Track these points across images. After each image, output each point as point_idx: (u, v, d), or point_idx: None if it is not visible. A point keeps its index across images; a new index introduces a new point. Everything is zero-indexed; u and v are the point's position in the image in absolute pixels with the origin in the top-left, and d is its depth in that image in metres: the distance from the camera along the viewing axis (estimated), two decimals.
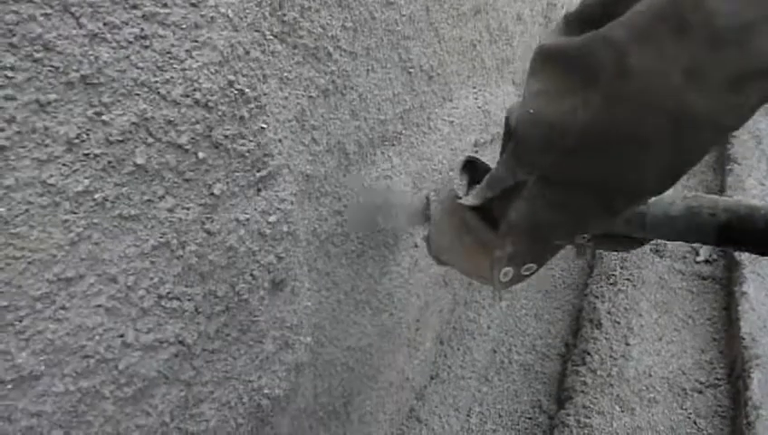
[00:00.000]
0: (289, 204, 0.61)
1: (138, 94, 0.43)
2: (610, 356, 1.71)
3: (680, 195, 0.67)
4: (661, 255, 1.95)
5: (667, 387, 1.62)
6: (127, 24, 0.42)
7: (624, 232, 0.70)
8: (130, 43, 0.42)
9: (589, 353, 1.74)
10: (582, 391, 1.66)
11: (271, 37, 0.65)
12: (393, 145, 1.06)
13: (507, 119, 0.55)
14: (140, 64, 0.43)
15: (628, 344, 1.73)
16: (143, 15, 0.43)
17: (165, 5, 0.44)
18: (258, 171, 0.56)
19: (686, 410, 1.57)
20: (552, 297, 2.05)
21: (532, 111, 0.47)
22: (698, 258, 1.94)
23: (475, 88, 1.32)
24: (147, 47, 0.43)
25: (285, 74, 0.71)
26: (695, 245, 1.93)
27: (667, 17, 0.36)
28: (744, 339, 1.56)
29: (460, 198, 0.68)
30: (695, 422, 1.52)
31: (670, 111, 0.39)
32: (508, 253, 0.57)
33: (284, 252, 0.63)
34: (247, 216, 0.55)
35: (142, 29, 0.43)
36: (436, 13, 1.10)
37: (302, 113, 0.77)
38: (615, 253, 1.92)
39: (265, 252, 0.60)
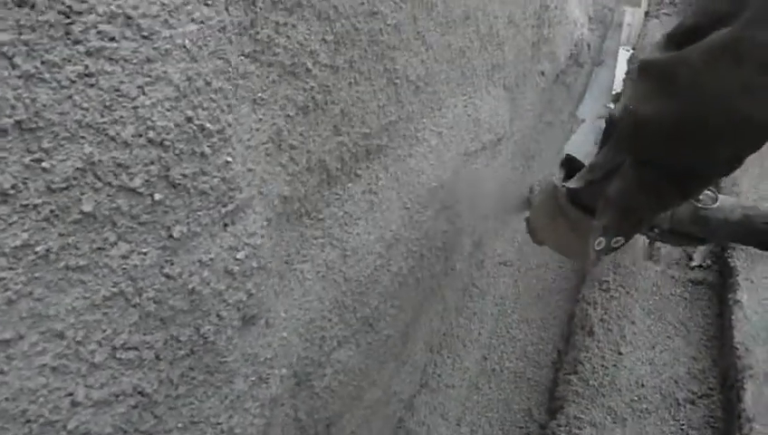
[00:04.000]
0: (259, 238, 0.57)
1: (83, 137, 0.40)
2: (602, 365, 1.69)
3: (740, 203, 0.81)
4: (655, 260, 1.92)
5: (660, 397, 1.59)
6: (69, 61, 0.38)
7: (689, 230, 0.83)
8: (73, 82, 0.38)
9: (581, 362, 1.71)
10: (574, 401, 1.63)
11: (242, 58, 0.62)
12: (379, 158, 1.03)
13: (610, 117, 0.69)
14: (85, 105, 0.39)
15: (620, 353, 1.70)
16: (87, 51, 0.39)
17: (112, 39, 0.40)
18: (224, 206, 0.52)
19: (678, 421, 1.54)
20: (544, 302, 2.02)
21: (630, 107, 0.59)
22: (692, 263, 1.91)
23: (464, 95, 1.29)
24: (92, 85, 0.39)
25: (259, 95, 0.67)
26: (688, 249, 1.91)
27: (729, 48, 0.49)
28: (737, 349, 1.53)
29: (558, 185, 0.79)
30: (687, 434, 1.49)
31: (730, 114, 0.51)
32: (603, 224, 0.67)
33: (255, 287, 0.59)
34: (211, 255, 0.52)
35: (86, 66, 0.39)
36: (423, 21, 1.06)
37: (279, 134, 0.73)
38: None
39: (234, 290, 0.56)
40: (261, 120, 0.68)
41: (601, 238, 0.68)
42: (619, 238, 0.69)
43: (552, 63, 2.23)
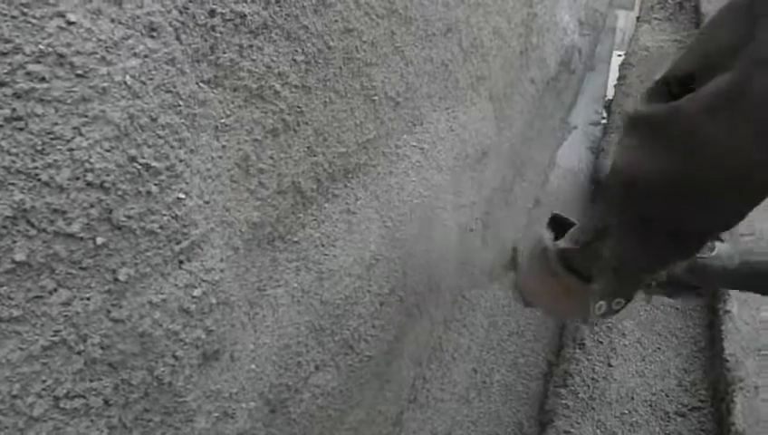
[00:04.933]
0: (218, 272, 0.55)
1: (12, 184, 0.38)
2: (592, 378, 1.67)
3: (738, 249, 0.80)
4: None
5: (650, 410, 1.57)
6: None
7: (687, 281, 0.81)
8: (0, 126, 0.36)
9: (570, 375, 1.69)
10: (564, 415, 1.62)
11: (201, 85, 0.60)
12: (357, 177, 1.01)
13: (599, 176, 0.67)
14: (14, 150, 0.37)
15: (610, 366, 1.69)
16: (15, 93, 0.37)
17: (42, 80, 0.38)
18: (177, 244, 0.50)
19: (668, 434, 1.52)
20: (534, 313, 2.00)
21: (621, 165, 0.55)
22: None
23: (447, 109, 1.27)
24: (21, 129, 0.37)
25: (222, 121, 0.65)
26: None
27: (732, 95, 0.43)
28: (727, 361, 1.52)
29: (548, 247, 0.73)
30: None
31: (733, 169, 0.46)
32: (601, 288, 0.63)
33: (215, 324, 0.57)
34: (164, 296, 0.50)
35: (14, 109, 0.37)
36: (402, 36, 1.04)
37: (246, 159, 0.71)
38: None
39: (191, 328, 0.54)
40: (224, 146, 0.66)
41: (601, 302, 0.65)
42: (620, 300, 0.65)
43: (541, 71, 2.21)
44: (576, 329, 1.82)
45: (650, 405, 1.59)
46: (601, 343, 1.76)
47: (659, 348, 1.73)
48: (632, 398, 1.61)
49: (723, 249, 0.80)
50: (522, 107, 1.99)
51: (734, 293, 1.64)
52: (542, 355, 1.90)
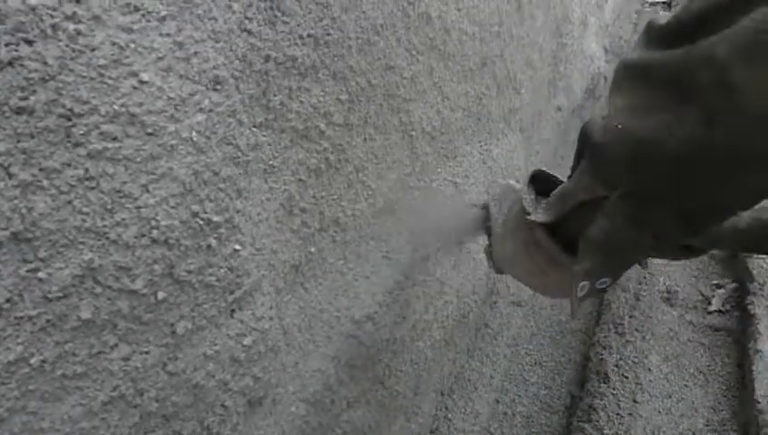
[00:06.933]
0: (267, 321, 0.55)
1: (82, 243, 0.38)
2: (617, 414, 1.64)
3: None
4: (672, 304, 1.88)
5: None
6: (68, 165, 0.36)
7: (689, 242, 0.69)
8: (72, 187, 0.36)
9: (595, 410, 1.67)
10: None
11: (253, 129, 0.60)
12: (392, 213, 1.00)
13: (585, 133, 0.51)
14: (85, 209, 0.37)
15: (635, 401, 1.66)
16: (88, 154, 0.37)
17: (114, 139, 0.38)
18: (231, 294, 0.50)
19: None
20: (557, 344, 1.97)
21: (619, 126, 0.44)
22: (710, 308, 1.86)
23: (480, 142, 1.26)
24: (93, 189, 0.37)
25: (270, 163, 0.65)
26: (706, 294, 1.86)
27: None
28: (758, 403, 1.49)
29: (528, 213, 0.64)
30: None
31: None
32: (585, 268, 0.55)
33: (262, 371, 0.56)
34: (217, 347, 0.49)
35: (87, 169, 0.37)
36: (440, 71, 1.04)
37: (290, 199, 0.71)
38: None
39: (240, 377, 0.54)
40: (272, 188, 0.66)
41: (584, 283, 0.56)
42: (606, 280, 0.57)
43: (568, 98, 2.21)
44: (600, 362, 1.79)
45: None
46: (627, 377, 1.73)
47: (686, 385, 1.70)
48: None
49: None
50: (548, 135, 1.99)
51: (765, 332, 1.61)
52: (564, 388, 1.88)
